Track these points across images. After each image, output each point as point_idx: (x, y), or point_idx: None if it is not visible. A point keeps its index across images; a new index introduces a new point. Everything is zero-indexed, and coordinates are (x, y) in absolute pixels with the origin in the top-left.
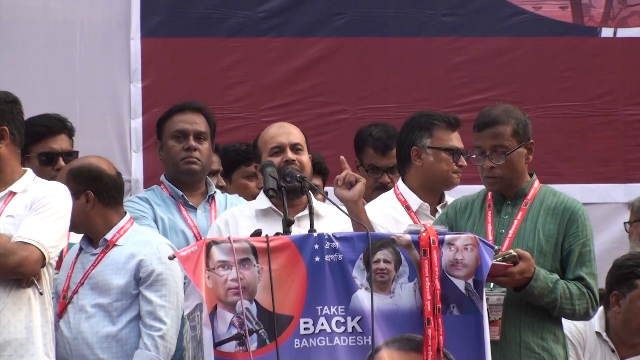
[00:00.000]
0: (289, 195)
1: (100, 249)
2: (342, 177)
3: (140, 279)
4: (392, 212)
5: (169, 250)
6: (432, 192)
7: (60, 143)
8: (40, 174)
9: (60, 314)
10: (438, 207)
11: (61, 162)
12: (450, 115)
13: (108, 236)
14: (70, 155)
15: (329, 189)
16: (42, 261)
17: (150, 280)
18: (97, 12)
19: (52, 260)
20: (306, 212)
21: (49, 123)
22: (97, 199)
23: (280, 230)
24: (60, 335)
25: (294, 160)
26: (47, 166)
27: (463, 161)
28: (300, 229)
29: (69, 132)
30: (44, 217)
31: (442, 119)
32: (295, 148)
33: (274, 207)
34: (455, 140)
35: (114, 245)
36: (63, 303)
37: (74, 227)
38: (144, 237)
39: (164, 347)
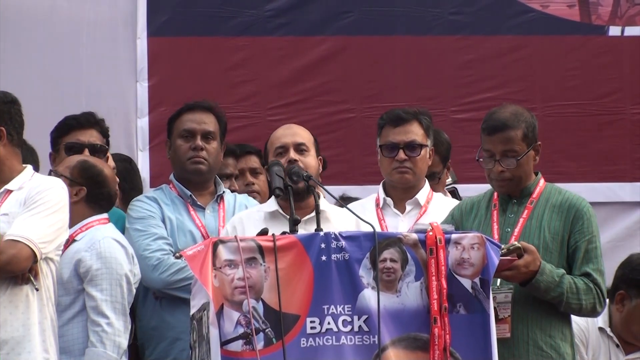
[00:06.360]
0: (296, 196)
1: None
2: None
3: (82, 275)
4: None
5: (111, 244)
6: None
7: (88, 136)
8: None
9: None
10: None
11: (87, 154)
12: None
13: (70, 231)
14: (98, 149)
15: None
16: (33, 258)
17: (90, 276)
18: (103, 11)
19: (51, 254)
20: (313, 214)
21: (79, 117)
22: (87, 197)
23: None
24: None
25: (296, 160)
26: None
27: None
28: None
29: (101, 129)
30: (35, 213)
31: None
32: (299, 149)
33: (280, 210)
34: None
35: (73, 240)
36: None
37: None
38: (94, 233)
39: (109, 340)
